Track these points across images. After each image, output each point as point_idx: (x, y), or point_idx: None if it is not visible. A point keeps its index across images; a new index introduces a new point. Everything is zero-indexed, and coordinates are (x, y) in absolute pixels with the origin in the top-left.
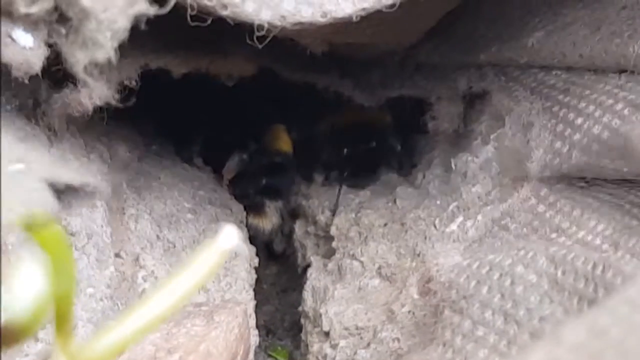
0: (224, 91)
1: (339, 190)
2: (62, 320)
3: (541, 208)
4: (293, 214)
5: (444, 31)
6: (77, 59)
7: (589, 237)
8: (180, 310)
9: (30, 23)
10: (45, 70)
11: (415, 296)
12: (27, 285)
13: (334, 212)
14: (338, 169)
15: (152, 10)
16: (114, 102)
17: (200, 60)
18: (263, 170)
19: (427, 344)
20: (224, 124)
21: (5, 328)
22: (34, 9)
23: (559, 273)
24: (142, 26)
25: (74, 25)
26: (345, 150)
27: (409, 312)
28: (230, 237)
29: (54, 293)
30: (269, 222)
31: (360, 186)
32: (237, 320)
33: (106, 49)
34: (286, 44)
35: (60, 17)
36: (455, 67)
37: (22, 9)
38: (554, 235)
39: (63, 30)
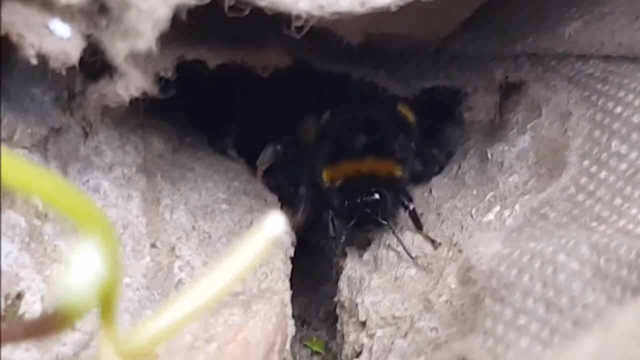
0: (257, 82)
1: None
2: (108, 309)
3: (581, 197)
4: None
5: (480, 22)
6: (118, 49)
7: (630, 226)
8: None
9: (69, 14)
10: (81, 62)
11: (453, 286)
12: (87, 268)
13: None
14: (342, 221)
15: (193, 0)
16: (151, 94)
17: (235, 52)
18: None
19: (467, 333)
20: (258, 115)
21: (60, 310)
22: (74, 0)
23: (602, 261)
24: (183, 16)
25: (114, 15)
26: (346, 202)
27: (447, 301)
28: (276, 224)
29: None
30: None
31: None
32: (274, 310)
33: (147, 38)
34: (322, 36)
35: (101, 8)
36: (491, 58)
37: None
38: (594, 224)
39: (104, 21)
